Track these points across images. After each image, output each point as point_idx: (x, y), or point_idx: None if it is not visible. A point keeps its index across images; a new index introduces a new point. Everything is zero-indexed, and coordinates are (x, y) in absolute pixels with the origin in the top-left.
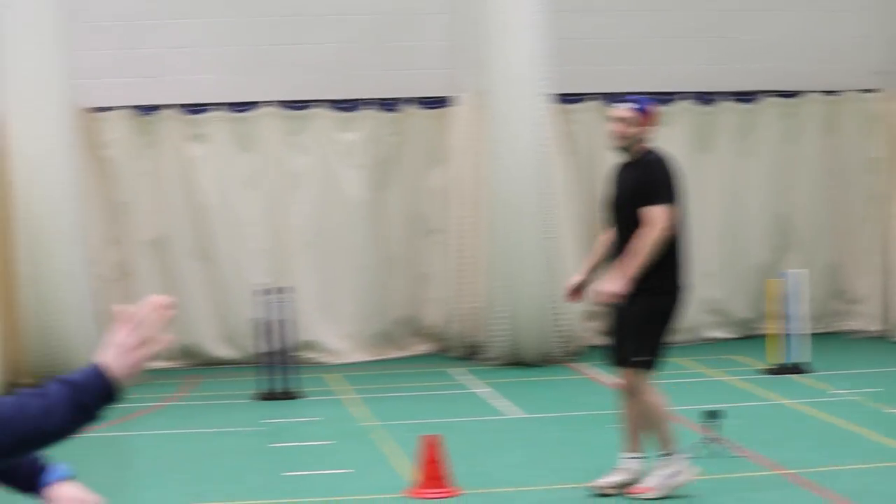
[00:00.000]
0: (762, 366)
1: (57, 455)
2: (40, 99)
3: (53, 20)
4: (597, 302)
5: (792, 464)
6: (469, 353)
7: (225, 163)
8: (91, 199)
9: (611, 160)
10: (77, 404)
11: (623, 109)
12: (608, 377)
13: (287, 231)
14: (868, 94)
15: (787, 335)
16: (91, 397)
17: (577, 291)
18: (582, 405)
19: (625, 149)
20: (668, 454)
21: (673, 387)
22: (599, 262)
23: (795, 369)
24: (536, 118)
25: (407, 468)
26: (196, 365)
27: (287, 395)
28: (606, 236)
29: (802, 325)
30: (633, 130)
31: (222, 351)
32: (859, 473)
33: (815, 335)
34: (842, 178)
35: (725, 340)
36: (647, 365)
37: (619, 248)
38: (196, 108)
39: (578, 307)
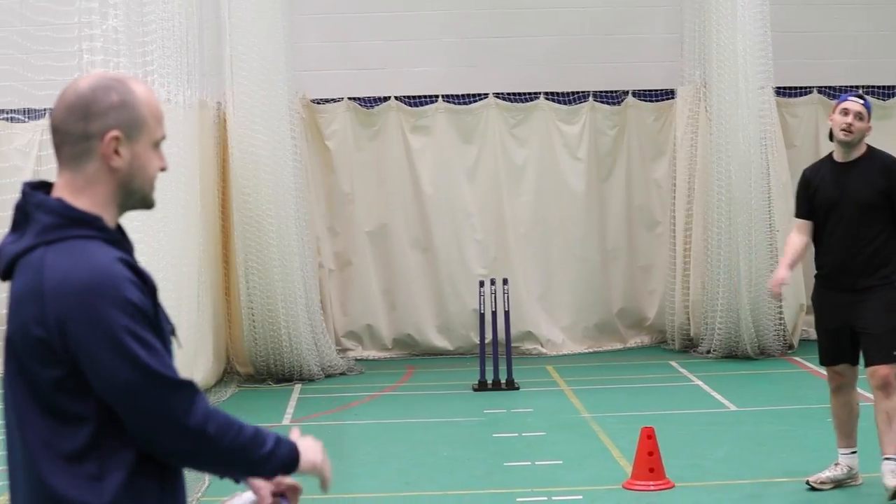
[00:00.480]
0: None
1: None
2: (262, 90)
3: (277, 11)
4: None
5: None
6: (686, 346)
7: (446, 154)
8: (313, 189)
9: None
10: (273, 453)
11: (859, 104)
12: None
13: (507, 222)
14: None
15: None
16: (282, 455)
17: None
18: (799, 399)
19: (848, 144)
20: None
21: None
22: (798, 260)
23: None
24: (759, 111)
25: (623, 460)
26: (413, 354)
27: (505, 386)
28: (799, 237)
29: None
30: (863, 126)
31: (440, 341)
32: None
33: None
34: None
35: None
36: None
37: (849, 249)
38: (418, 100)
39: (798, 300)
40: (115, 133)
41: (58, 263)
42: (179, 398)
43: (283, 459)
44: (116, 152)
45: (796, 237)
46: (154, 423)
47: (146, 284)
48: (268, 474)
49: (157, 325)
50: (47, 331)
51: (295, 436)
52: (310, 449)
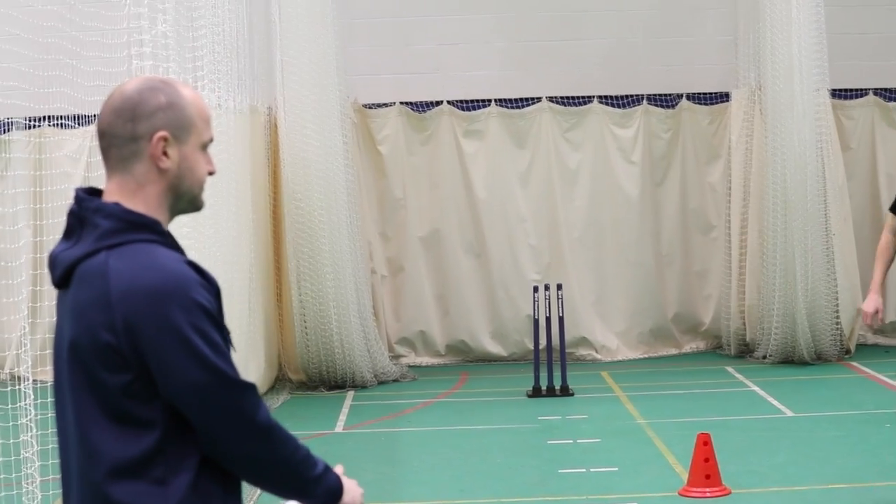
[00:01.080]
0: None
1: (329, 450)
2: (314, 95)
3: (327, 15)
4: None
5: None
6: (742, 351)
7: (499, 159)
8: (365, 194)
9: (886, 157)
10: (322, 477)
11: None
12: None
13: (560, 227)
14: None
15: None
16: (329, 482)
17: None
18: (856, 404)
19: None
20: None
21: None
22: (890, 263)
23: None
24: (814, 113)
25: (678, 466)
26: (466, 361)
27: (560, 392)
28: (889, 236)
29: None
30: None
31: (493, 347)
32: None
33: None
34: None
35: None
36: None
37: None
38: (471, 105)
39: (856, 304)
40: (162, 134)
41: (123, 268)
42: (247, 397)
43: (331, 487)
44: (165, 153)
45: (886, 236)
46: (224, 422)
47: (211, 286)
48: (314, 498)
49: (223, 327)
50: (116, 336)
51: (338, 470)
52: (352, 489)
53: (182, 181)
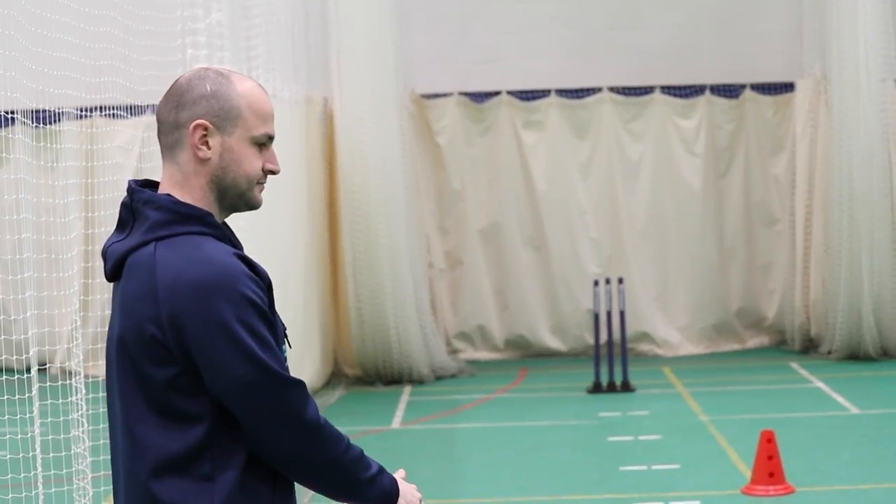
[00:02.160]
0: None
1: (386, 447)
2: (371, 84)
3: (385, 4)
4: None
5: None
6: (807, 347)
7: (559, 150)
8: (422, 187)
9: None
10: (375, 479)
11: None
12: None
13: (622, 220)
14: None
15: None
16: (384, 485)
17: None
18: None
19: None
20: None
21: None
22: None
23: None
24: (881, 104)
25: (741, 464)
26: (525, 356)
27: (620, 388)
28: None
29: None
30: None
31: (553, 342)
32: None
33: None
34: None
35: None
36: None
37: None
38: (530, 95)
39: None
40: (200, 122)
41: (170, 260)
42: (294, 394)
43: (385, 489)
44: (206, 144)
45: None
46: (270, 419)
47: (262, 279)
48: (366, 501)
49: (272, 322)
50: (161, 329)
51: (399, 475)
52: (409, 493)
53: (226, 174)
